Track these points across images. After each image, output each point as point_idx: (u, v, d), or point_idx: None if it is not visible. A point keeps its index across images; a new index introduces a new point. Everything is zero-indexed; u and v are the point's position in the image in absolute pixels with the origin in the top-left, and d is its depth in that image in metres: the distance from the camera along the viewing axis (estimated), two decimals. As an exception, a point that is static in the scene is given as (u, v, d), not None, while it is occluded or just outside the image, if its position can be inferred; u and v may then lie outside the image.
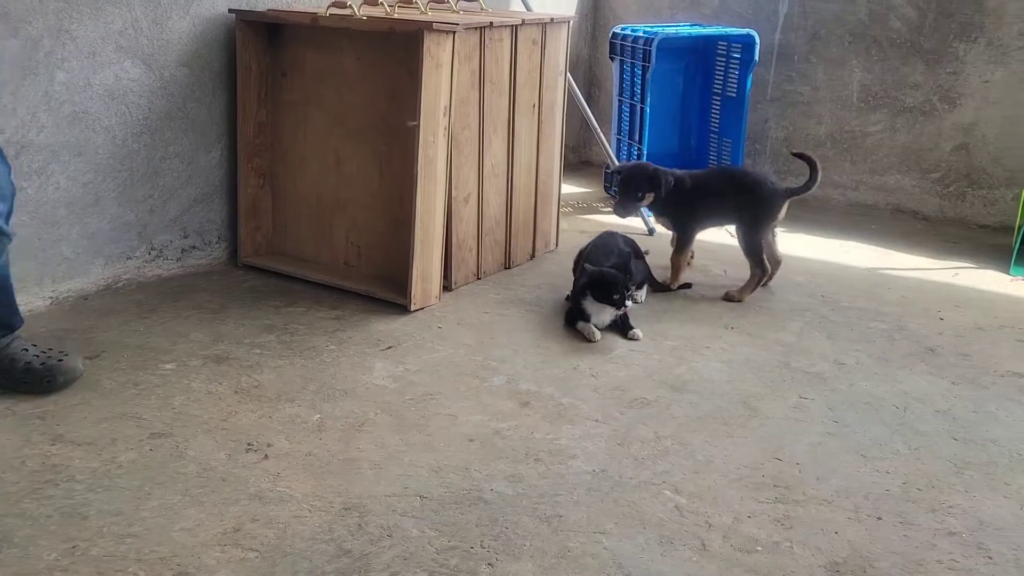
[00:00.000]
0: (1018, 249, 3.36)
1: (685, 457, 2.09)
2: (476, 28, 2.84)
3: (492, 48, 2.93)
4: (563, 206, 3.99)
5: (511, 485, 1.95)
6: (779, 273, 3.20)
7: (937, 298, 3.11)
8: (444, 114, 2.75)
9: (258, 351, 2.53)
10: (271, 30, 3.02)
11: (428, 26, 2.60)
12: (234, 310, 2.80)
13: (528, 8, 3.66)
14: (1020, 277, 3.29)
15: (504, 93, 3.04)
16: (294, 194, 3.15)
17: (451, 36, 2.69)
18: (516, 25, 2.99)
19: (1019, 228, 3.38)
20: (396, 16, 2.82)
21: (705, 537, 1.80)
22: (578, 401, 2.34)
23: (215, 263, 3.17)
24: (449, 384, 2.40)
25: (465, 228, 3.03)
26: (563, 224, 3.72)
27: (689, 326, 2.83)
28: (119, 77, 2.78)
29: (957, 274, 3.35)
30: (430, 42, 2.62)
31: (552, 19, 3.14)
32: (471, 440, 2.13)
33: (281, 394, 2.30)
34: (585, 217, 3.97)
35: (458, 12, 3.07)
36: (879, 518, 1.88)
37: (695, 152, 4.36)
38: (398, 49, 2.80)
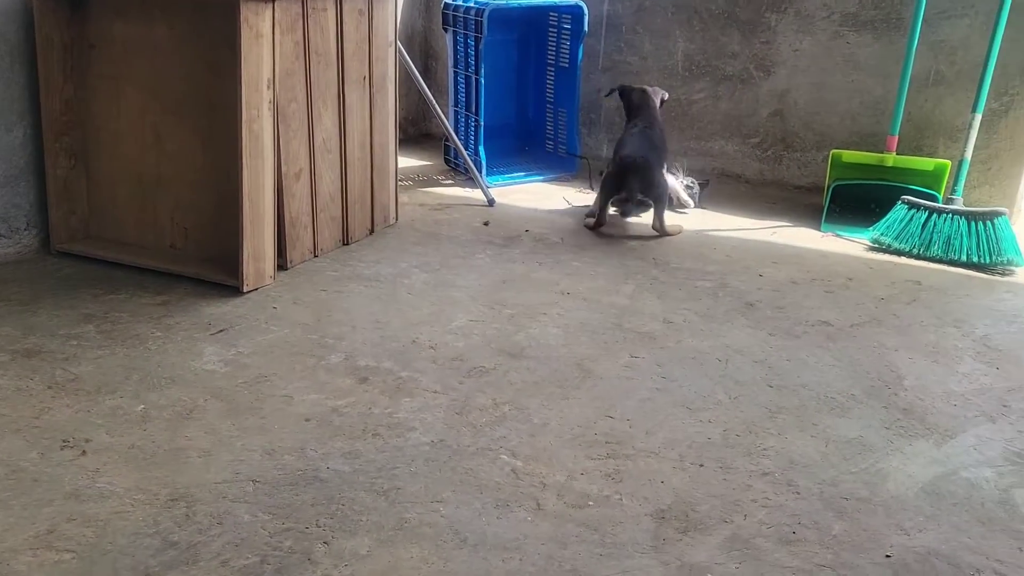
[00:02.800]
0: (827, 207, 3.62)
1: (522, 422, 2.14)
2: (297, -3, 2.75)
3: (316, 18, 2.85)
4: (402, 180, 3.97)
5: (348, 462, 1.94)
6: (614, 238, 3.32)
7: (757, 256, 3.30)
8: (268, 87, 2.66)
9: (75, 342, 2.39)
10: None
11: (244, -5, 2.50)
12: (47, 300, 2.62)
13: (355, -23, 3.57)
14: (829, 233, 3.55)
15: (332, 65, 2.97)
16: (110, 174, 2.97)
17: (270, 5, 2.59)
18: (340, -5, 2.92)
19: (827, 188, 3.63)
20: (211, -16, 2.69)
21: (540, 497, 1.85)
22: (417, 374, 2.34)
23: (24, 251, 2.95)
24: (284, 365, 2.34)
25: (298, 205, 2.95)
26: (403, 198, 3.70)
27: (527, 294, 2.88)
28: None
29: (775, 232, 3.57)
30: (247, 11, 2.51)
31: (378, -11, 3.09)
32: (307, 420, 2.09)
33: (101, 386, 2.18)
34: (425, 190, 3.95)
35: (279, -19, 2.96)
36: (701, 465, 1.99)
37: (532, 123, 4.42)
38: (215, 19, 2.68)
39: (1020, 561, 1.71)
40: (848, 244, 3.45)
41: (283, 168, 2.83)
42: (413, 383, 2.29)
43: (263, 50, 2.61)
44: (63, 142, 2.91)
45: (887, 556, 1.71)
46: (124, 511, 1.74)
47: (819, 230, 3.57)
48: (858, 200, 3.66)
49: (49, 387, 2.16)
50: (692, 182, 3.84)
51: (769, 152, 4.11)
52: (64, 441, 1.95)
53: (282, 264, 2.92)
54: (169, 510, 1.74)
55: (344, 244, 3.21)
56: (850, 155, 3.64)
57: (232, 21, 2.51)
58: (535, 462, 1.98)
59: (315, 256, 3.07)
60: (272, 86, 2.67)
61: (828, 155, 3.69)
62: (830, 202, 3.62)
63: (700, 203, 3.82)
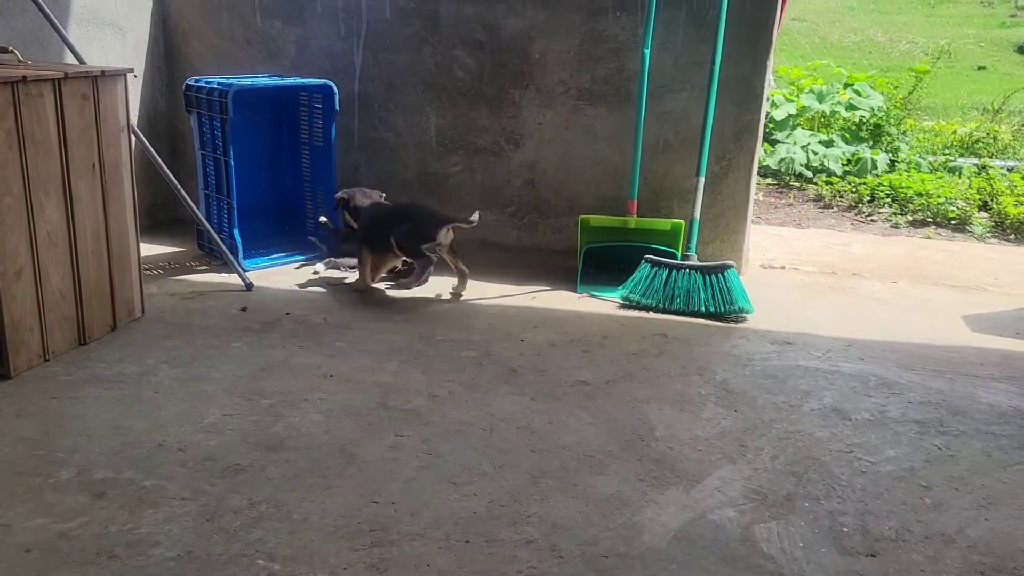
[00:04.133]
0: (581, 270, 3.80)
1: (280, 520, 2.02)
2: (6, 83, 2.53)
3: (31, 104, 2.64)
4: (151, 268, 3.74)
5: (77, 593, 1.73)
6: (379, 314, 3.28)
7: (519, 321, 3.39)
8: (-26, 180, 2.41)
9: None
10: None
11: (-63, 82, 2.26)
12: None
13: (80, 60, 3.36)
14: (585, 294, 3.73)
15: (53, 153, 2.75)
16: None
17: (-29, 92, 2.37)
18: (59, 79, 2.72)
19: (580, 251, 3.82)
20: (-101, 70, 2.42)
21: (299, 600, 1.75)
22: (163, 481, 2.16)
23: None
24: (2, 489, 2.08)
25: (20, 306, 2.68)
26: (151, 288, 3.48)
27: (287, 380, 2.77)
28: None
29: (535, 297, 3.69)
30: (-58, 100, 2.28)
31: (104, 72, 2.91)
32: (28, 551, 1.86)
33: None
34: (177, 278, 3.74)
35: (-13, 65, 2.72)
36: (467, 541, 1.97)
37: (290, 202, 4.33)
38: (-95, 108, 2.41)
39: (762, 594, 1.83)
40: (602, 303, 3.64)
41: (0, 268, 2.56)
42: (158, 492, 2.11)
43: (-35, 140, 2.37)
44: None
45: (645, 609, 1.77)
46: None
47: (575, 292, 3.74)
48: (608, 261, 3.88)
49: None
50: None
51: (525, 220, 4.28)
52: None
53: (4, 373, 2.63)
54: None
55: (81, 344, 2.94)
56: (597, 219, 3.87)
57: (-76, 110, 2.26)
58: (294, 563, 1.87)
59: (45, 360, 2.79)
60: (-21, 179, 2.42)
61: (578, 220, 3.89)
62: (583, 264, 3.81)
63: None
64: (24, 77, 2.59)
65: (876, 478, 2.31)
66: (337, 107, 4.00)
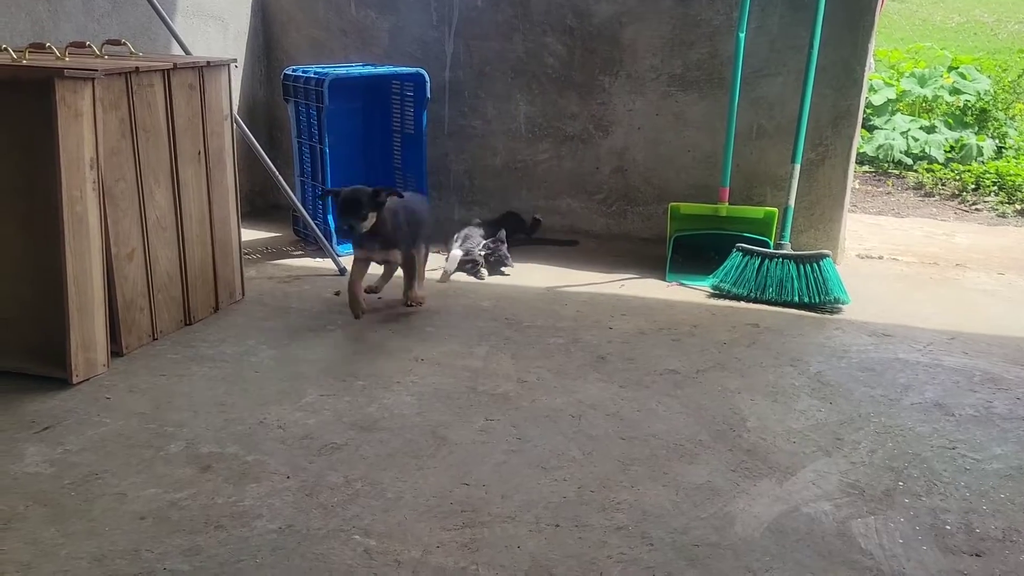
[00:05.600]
0: (670, 258, 3.77)
1: (375, 497, 2.08)
2: (120, 73, 2.66)
3: (142, 94, 2.76)
4: (249, 253, 3.87)
5: (187, 559, 1.82)
6: (467, 301, 3.33)
7: (607, 309, 3.38)
8: (91, 167, 2.54)
9: None
10: None
11: (59, 72, 2.39)
12: None
13: (187, 51, 3.50)
14: (674, 283, 3.69)
15: (162, 141, 2.87)
16: (-82, 267, 2.74)
17: (90, 83, 2.49)
18: (168, 69, 2.84)
19: (669, 239, 3.78)
20: (25, 63, 2.56)
21: (394, 576, 1.80)
22: (264, 456, 2.25)
23: None
24: (118, 460, 2.20)
25: (132, 287, 2.81)
26: (250, 271, 3.60)
27: (380, 363, 2.84)
28: None
29: (623, 285, 3.68)
30: (64, 90, 2.40)
31: (209, 62, 3.02)
32: (142, 518, 1.96)
33: (-97, 502, 1.98)
34: (275, 263, 3.86)
35: (103, 57, 2.85)
36: (557, 525, 1.99)
37: (382, 189, 4.41)
38: (30, 99, 2.53)
39: (859, 590, 1.79)
40: (692, 292, 3.60)
41: (113, 250, 2.69)
42: (260, 467, 2.20)
43: (83, 129, 2.49)
44: None
45: (737, 599, 1.75)
46: (-74, 643, 1.56)
47: (664, 280, 3.71)
48: (698, 249, 3.83)
49: None
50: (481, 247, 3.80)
51: (613, 207, 4.26)
52: None
53: (116, 350, 2.76)
54: (-20, 636, 1.58)
55: (186, 324, 3.07)
56: (687, 207, 3.82)
57: (48, 100, 2.39)
58: (389, 539, 1.92)
59: (154, 339, 2.92)
60: (96, 166, 2.55)
61: (668, 208, 3.85)
62: (673, 252, 3.77)
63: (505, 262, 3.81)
64: (136, 68, 2.71)
65: (981, 476, 2.22)
66: (428, 95, 4.05)
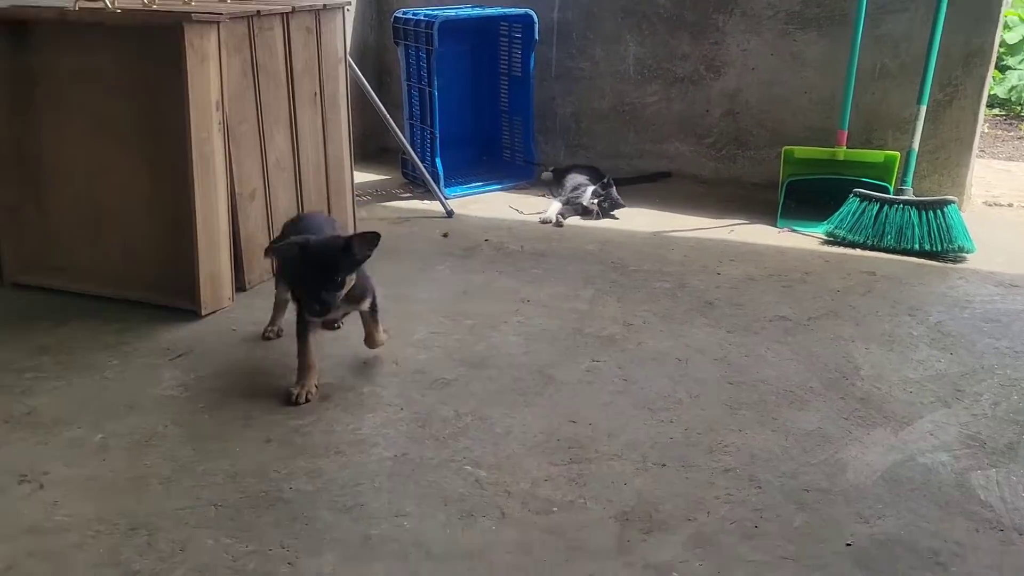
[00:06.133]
0: (782, 203, 3.66)
1: (484, 431, 2.14)
2: (243, 17, 2.74)
3: (263, 38, 2.84)
4: (360, 195, 3.96)
5: (311, 481, 1.93)
6: (573, 244, 3.35)
7: (715, 254, 3.34)
8: (217, 109, 2.64)
9: (30, 375, 2.35)
10: (14, 31, 2.79)
11: (187, 17, 2.48)
12: (0, 334, 2.58)
13: (303, -5, 3.57)
14: (785, 229, 3.59)
15: (281, 84, 2.96)
16: (61, 204, 2.94)
17: (215, 27, 2.58)
18: (287, 13, 2.92)
19: (782, 184, 3.68)
20: (155, 7, 2.68)
21: (504, 505, 1.86)
22: (380, 389, 2.34)
23: (-24, 285, 2.91)
24: (245, 387, 2.33)
25: (254, 224, 2.94)
26: (361, 213, 3.69)
27: (488, 303, 2.89)
28: None
29: (732, 231, 3.61)
30: (191, 34, 2.50)
31: (325, 5, 3.08)
32: (269, 441, 2.08)
33: (58, 418, 2.15)
34: (384, 204, 3.95)
35: (226, 1, 2.95)
36: (664, 465, 2.01)
37: (488, 132, 4.44)
38: (159, 44, 2.66)
39: (976, 542, 1.75)
40: (804, 239, 3.50)
41: (236, 189, 2.81)
42: (375, 398, 2.29)
43: (210, 72, 2.59)
44: (11, 174, 2.87)
45: (848, 545, 1.74)
46: (84, 543, 1.71)
47: (775, 226, 3.62)
48: (812, 195, 3.72)
49: (5, 421, 2.13)
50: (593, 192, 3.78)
51: (723, 151, 4.16)
52: (22, 476, 1.92)
53: (240, 285, 2.91)
54: (130, 539, 1.72)
55: (303, 262, 3.19)
56: (802, 151, 3.70)
57: (177, 45, 2.50)
58: (498, 471, 1.98)
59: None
60: (221, 107, 2.66)
61: (781, 152, 3.74)
62: (785, 198, 3.67)
63: (614, 204, 3.78)
64: (258, 12, 2.79)
65: (1114, 434, 2.12)
66: (536, 36, 4.03)
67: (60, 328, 2.63)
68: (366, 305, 2.39)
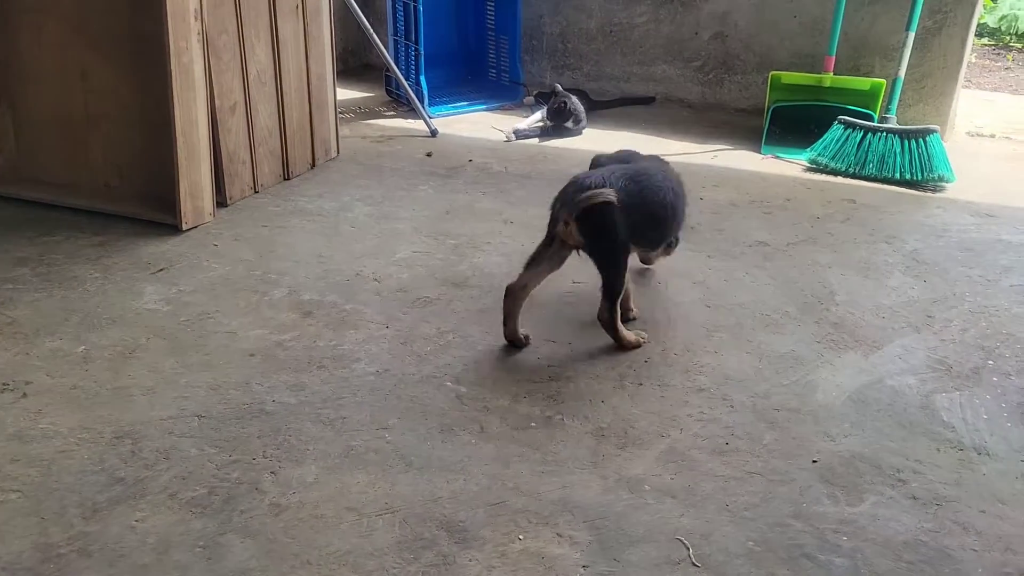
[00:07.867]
0: (767, 129, 3.66)
1: (466, 349, 2.17)
2: (221, -77, 2.66)
3: (243, -55, 2.76)
4: (343, 112, 3.91)
5: (294, 394, 1.96)
6: (557, 166, 3.34)
7: (698, 179, 3.34)
8: (196, 18, 2.58)
9: (10, 286, 2.35)
10: (-16, -72, 2.69)
11: (164, -79, 2.40)
12: (-21, 245, 2.57)
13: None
14: (769, 155, 3.59)
15: (262, -6, 2.89)
16: (38, 113, 2.88)
17: (193, -68, 2.50)
18: (267, -81, 2.83)
19: (767, 110, 3.66)
20: (130, -90, 2.59)
21: (484, 420, 1.90)
22: (361, 306, 2.36)
23: (-47, 195, 2.87)
24: (227, 302, 2.34)
25: (235, 139, 2.90)
26: (344, 130, 3.66)
27: (471, 224, 2.89)
28: None
29: (716, 156, 3.61)
30: (169, -61, 2.43)
31: (307, -87, 2.99)
32: (251, 355, 2.10)
33: (39, 328, 2.16)
34: (367, 122, 3.91)
35: (203, -95, 2.85)
36: (640, 384, 2.05)
37: (474, 51, 4.36)
38: (136, -52, 2.58)
39: (938, 460, 1.81)
40: (787, 165, 3.51)
41: (217, 102, 2.77)
42: (357, 315, 2.31)
43: (188, -21, 2.52)
44: (-16, 81, 2.81)
45: (814, 461, 1.80)
46: (69, 450, 1.74)
47: (759, 152, 3.62)
48: (797, 121, 3.70)
49: (-14, 332, 2.14)
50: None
51: (710, 75, 4.12)
52: (4, 384, 1.94)
53: (221, 201, 2.89)
54: (114, 448, 1.76)
55: (285, 179, 3.17)
56: (789, 76, 3.67)
57: (153, -51, 2.42)
58: (479, 387, 2.02)
59: (255, 192, 3.04)
60: (200, 17, 2.60)
61: (768, 77, 3.71)
62: (770, 124, 3.66)
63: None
64: (237, -82, 2.70)
65: (1077, 360, 2.18)
66: (524, -48, 3.93)
67: (39, 240, 2.62)
68: None
